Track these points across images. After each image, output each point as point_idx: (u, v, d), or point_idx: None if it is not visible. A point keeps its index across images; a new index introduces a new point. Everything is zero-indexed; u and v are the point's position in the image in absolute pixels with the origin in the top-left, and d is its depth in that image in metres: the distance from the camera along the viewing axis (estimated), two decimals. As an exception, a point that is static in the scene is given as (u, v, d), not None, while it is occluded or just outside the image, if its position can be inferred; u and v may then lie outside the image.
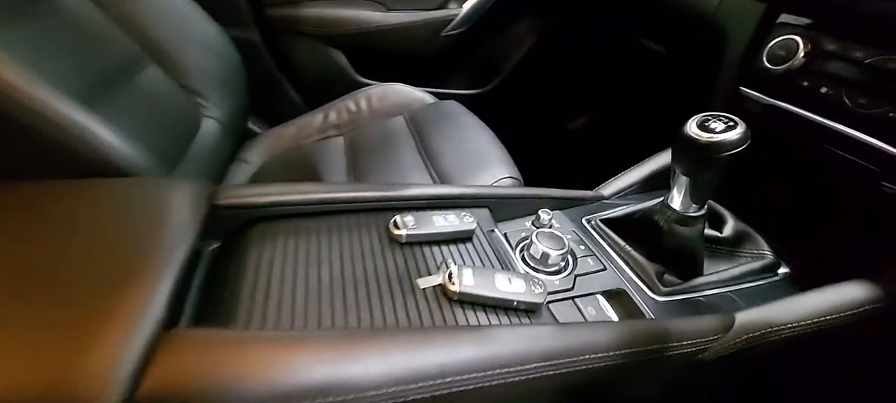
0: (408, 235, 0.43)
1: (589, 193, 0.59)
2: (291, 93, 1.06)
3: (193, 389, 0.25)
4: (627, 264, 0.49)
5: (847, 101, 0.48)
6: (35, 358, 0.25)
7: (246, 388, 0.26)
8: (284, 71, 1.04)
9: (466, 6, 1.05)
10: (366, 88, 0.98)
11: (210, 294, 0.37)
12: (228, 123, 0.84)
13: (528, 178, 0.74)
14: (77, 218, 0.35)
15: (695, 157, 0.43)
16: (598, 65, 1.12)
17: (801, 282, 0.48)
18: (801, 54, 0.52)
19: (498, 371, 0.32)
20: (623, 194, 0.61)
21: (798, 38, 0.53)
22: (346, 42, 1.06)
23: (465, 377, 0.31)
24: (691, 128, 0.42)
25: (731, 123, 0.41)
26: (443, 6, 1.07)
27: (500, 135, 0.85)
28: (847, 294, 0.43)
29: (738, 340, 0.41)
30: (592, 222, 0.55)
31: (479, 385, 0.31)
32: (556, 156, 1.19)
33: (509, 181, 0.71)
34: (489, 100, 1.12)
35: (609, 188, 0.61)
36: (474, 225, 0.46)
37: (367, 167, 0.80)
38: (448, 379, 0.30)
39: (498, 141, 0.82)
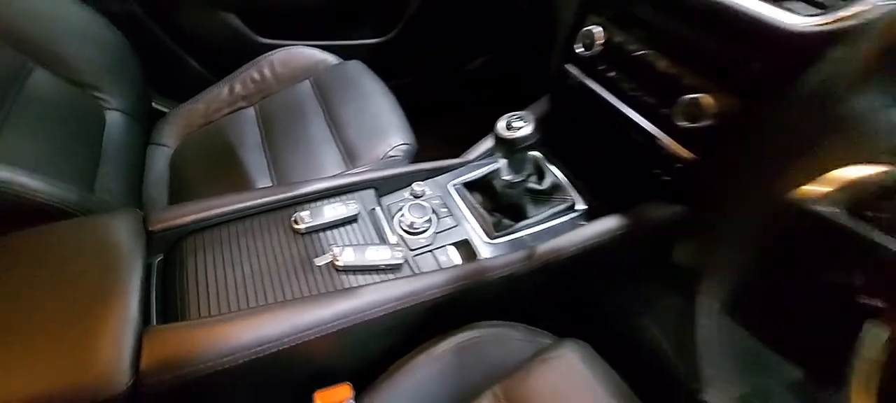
0: (305, 228, 0.59)
1: (456, 161, 0.77)
2: (192, 64, 1.06)
3: (176, 359, 0.43)
4: (475, 217, 0.70)
5: (624, 86, 0.67)
6: (53, 361, 0.40)
7: (208, 352, 0.44)
8: (179, 42, 1.02)
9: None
10: (268, 54, 1.01)
11: (166, 296, 0.53)
12: (133, 111, 0.87)
13: (426, 132, 0.89)
14: (43, 268, 0.47)
15: (504, 147, 0.61)
16: (491, 6, 1.20)
17: (590, 217, 0.72)
18: (599, 43, 0.69)
19: (363, 313, 0.52)
20: (483, 156, 0.79)
21: (598, 30, 0.68)
22: (234, 1, 1.04)
23: (342, 320, 0.50)
24: (500, 126, 0.59)
25: (525, 123, 0.59)
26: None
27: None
28: (607, 225, 0.67)
29: (538, 263, 0.64)
30: (456, 186, 0.74)
31: (352, 324, 0.51)
32: (456, 98, 1.32)
33: (404, 147, 0.85)
34: (392, 48, 1.18)
35: (473, 153, 0.79)
36: (357, 211, 0.63)
37: (281, 142, 0.90)
38: (331, 324, 0.50)
39: (396, 105, 0.93)
